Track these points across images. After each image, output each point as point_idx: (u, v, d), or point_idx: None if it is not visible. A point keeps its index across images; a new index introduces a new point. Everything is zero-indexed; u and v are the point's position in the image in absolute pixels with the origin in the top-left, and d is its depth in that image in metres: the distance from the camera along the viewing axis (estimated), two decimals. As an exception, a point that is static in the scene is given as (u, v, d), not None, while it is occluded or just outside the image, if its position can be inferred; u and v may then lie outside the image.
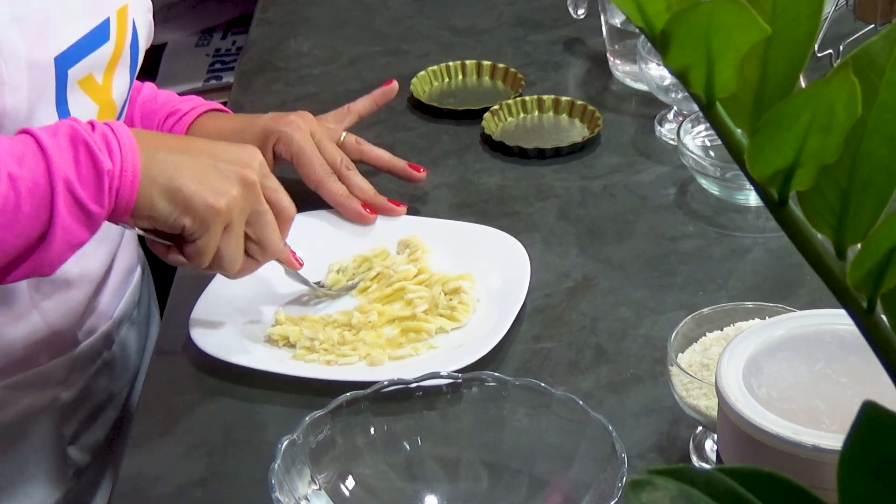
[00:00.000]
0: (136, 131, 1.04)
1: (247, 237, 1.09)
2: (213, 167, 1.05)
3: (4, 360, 1.16)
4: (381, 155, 1.36)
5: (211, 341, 1.14)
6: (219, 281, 1.21)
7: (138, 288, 1.35)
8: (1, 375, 1.17)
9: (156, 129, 1.33)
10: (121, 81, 1.17)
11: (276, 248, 1.11)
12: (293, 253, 1.19)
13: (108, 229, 1.22)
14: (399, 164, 1.36)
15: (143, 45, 1.20)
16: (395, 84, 1.41)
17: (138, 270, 1.36)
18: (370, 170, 1.35)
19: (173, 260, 1.09)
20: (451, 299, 1.20)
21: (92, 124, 1.03)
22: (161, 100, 1.33)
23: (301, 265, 1.20)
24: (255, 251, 1.10)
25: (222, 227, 1.05)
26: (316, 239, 1.28)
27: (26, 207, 0.98)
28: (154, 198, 1.03)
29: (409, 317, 1.18)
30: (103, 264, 1.24)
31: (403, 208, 1.32)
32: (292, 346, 1.16)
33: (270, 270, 1.21)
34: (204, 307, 1.18)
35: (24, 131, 1.01)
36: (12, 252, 1.00)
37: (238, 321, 1.18)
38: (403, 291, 1.21)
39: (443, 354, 1.14)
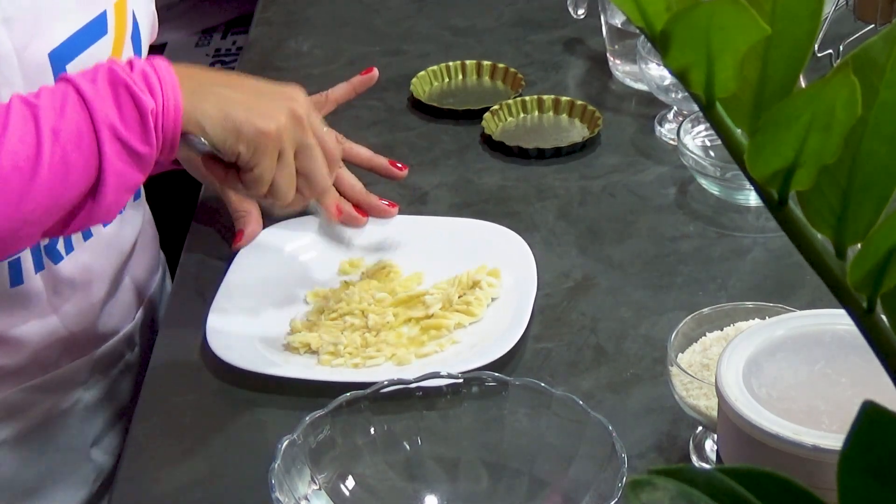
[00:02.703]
0: (177, 68, 1.03)
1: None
2: (258, 96, 1.05)
3: (25, 362, 1.16)
4: (361, 153, 1.33)
5: (234, 355, 1.13)
6: (225, 292, 1.20)
7: (160, 290, 1.35)
8: (22, 378, 1.17)
9: None
10: None
11: (324, 183, 1.10)
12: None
13: (127, 223, 1.23)
14: (380, 161, 1.33)
15: (147, 38, 1.20)
16: (375, 72, 1.36)
17: (160, 272, 1.36)
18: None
19: (231, 185, 1.08)
20: (463, 294, 1.20)
21: (131, 64, 1.01)
22: None
23: (340, 215, 1.21)
24: (303, 185, 1.08)
25: (276, 152, 1.05)
26: (313, 247, 1.27)
27: (74, 158, 0.97)
28: (205, 127, 1.02)
29: (426, 315, 1.18)
30: (118, 265, 1.23)
31: (395, 210, 1.31)
32: (314, 352, 1.16)
33: (276, 278, 1.22)
34: (216, 320, 1.17)
35: (63, 79, 1.00)
36: (68, 205, 0.99)
37: (253, 332, 1.17)
38: (421, 295, 1.21)
39: (466, 350, 1.15)
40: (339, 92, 1.35)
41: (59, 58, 1.07)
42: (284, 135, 1.05)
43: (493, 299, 1.21)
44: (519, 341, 1.14)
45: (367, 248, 1.28)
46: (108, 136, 0.98)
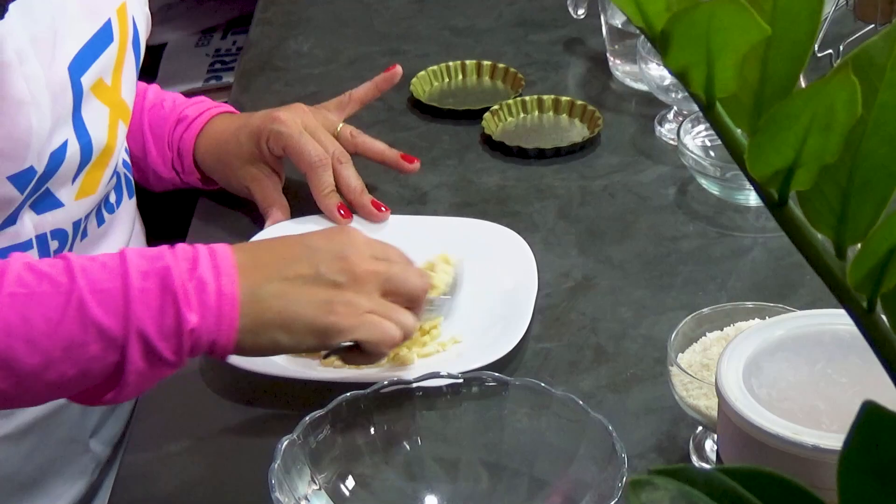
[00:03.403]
0: (239, 265, 0.99)
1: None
2: (314, 280, 1.01)
3: None
4: (375, 146, 1.34)
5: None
6: None
7: None
8: None
9: (166, 139, 1.32)
10: (128, 79, 1.17)
11: (417, 290, 1.05)
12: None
13: (119, 223, 1.23)
14: (392, 154, 1.34)
15: (144, 38, 1.20)
16: (398, 69, 1.38)
17: None
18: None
19: (358, 362, 1.05)
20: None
21: (195, 261, 0.97)
22: (168, 105, 1.33)
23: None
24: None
25: (359, 319, 1.01)
26: None
27: (94, 347, 0.94)
28: (276, 338, 0.99)
29: None
30: None
31: (387, 214, 1.31)
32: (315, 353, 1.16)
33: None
34: None
35: (121, 255, 0.97)
36: (79, 385, 0.96)
37: None
38: None
39: (467, 350, 1.15)
40: (363, 91, 1.37)
41: (76, 71, 1.08)
42: (357, 306, 1.01)
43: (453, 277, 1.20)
44: (519, 341, 1.14)
45: None
46: (136, 341, 0.95)
